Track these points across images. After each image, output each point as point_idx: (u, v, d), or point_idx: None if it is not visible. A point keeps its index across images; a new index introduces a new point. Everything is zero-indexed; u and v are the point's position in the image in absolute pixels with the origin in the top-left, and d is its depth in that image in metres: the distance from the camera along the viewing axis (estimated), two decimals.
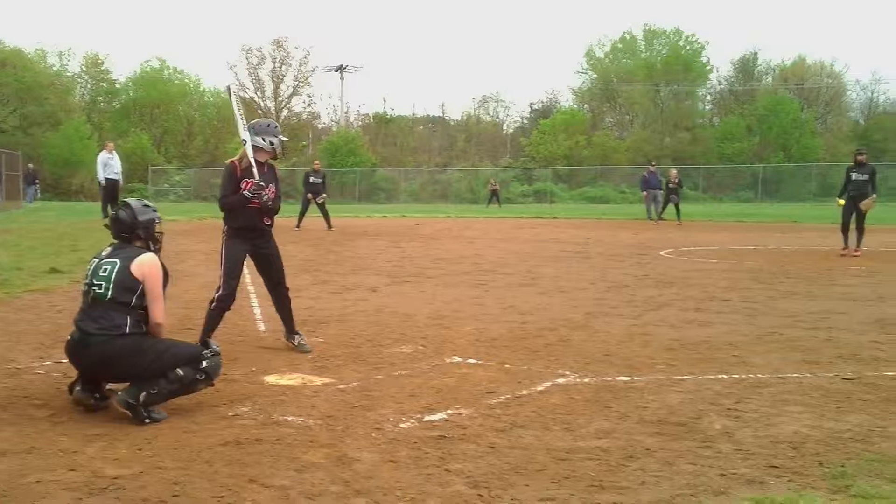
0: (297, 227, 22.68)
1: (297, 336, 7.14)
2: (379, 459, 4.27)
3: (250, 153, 6.77)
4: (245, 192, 6.69)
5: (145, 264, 5.17)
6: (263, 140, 6.84)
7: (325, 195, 23.96)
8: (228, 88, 7.53)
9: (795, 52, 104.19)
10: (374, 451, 4.39)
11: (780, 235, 22.69)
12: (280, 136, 6.93)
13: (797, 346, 7.33)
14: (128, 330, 4.98)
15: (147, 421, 4.85)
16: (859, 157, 16.28)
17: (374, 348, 7.18)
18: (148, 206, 5.49)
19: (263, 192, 6.70)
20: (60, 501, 3.69)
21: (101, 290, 5.06)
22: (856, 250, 15.91)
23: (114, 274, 5.09)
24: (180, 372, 4.97)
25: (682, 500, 3.76)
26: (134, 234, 5.34)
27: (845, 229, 16.09)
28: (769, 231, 24.88)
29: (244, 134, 6.89)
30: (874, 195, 16.03)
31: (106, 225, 5.55)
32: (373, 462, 4.23)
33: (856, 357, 6.87)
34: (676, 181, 29.00)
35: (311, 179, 23.91)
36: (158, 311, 5.19)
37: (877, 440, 4.64)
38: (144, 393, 4.88)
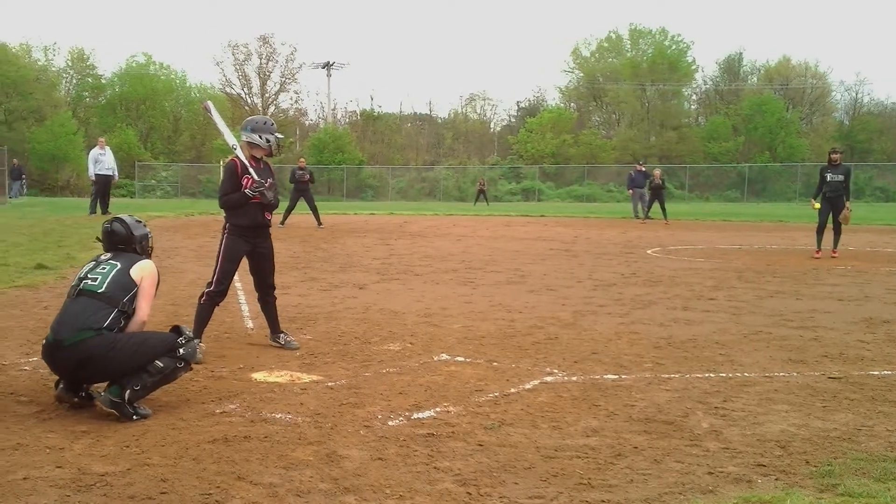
0: (282, 224, 22.64)
1: (282, 335, 7.15)
2: (367, 457, 4.27)
3: (242, 157, 6.78)
4: (246, 191, 6.70)
5: (146, 268, 5.29)
6: (260, 137, 6.84)
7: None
8: (205, 108, 7.49)
9: (780, 52, 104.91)
10: (362, 449, 4.39)
11: (765, 235, 22.78)
12: (276, 134, 6.94)
13: (784, 345, 7.36)
14: (105, 325, 4.96)
15: (134, 418, 4.84)
16: (833, 157, 15.67)
17: (363, 346, 7.17)
18: (139, 221, 5.64)
19: (264, 189, 6.74)
20: (47, 498, 3.67)
21: (95, 284, 5.11)
22: (833, 252, 15.66)
23: (113, 273, 5.19)
24: (160, 363, 4.96)
25: (671, 499, 3.78)
26: (130, 247, 5.46)
27: (821, 230, 15.65)
28: (755, 230, 24.97)
29: (231, 140, 6.95)
30: (848, 203, 15.62)
31: (98, 238, 5.62)
32: (361, 460, 4.22)
33: (842, 356, 6.91)
34: (660, 180, 29.14)
35: (298, 175, 23.90)
36: (146, 309, 5.23)
37: (863, 439, 4.67)
38: (129, 390, 4.87)
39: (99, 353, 4.88)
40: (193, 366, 5.40)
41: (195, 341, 5.32)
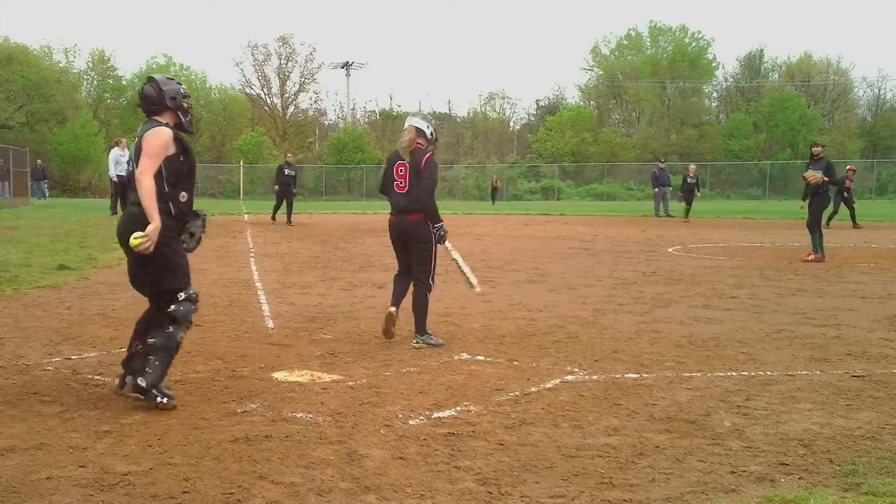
0: (273, 220, 23.03)
1: (418, 336, 7.39)
2: (388, 456, 4.27)
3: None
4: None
5: (150, 132, 5.10)
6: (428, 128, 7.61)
7: (295, 190, 24.91)
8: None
9: (801, 48, 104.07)
10: (383, 448, 4.39)
11: (787, 232, 22.59)
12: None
13: (806, 343, 7.31)
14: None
15: (159, 399, 5.01)
16: (814, 150, 14.73)
17: (383, 345, 7.19)
18: (171, 78, 5.43)
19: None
20: (70, 498, 3.69)
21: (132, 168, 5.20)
22: (810, 255, 14.69)
23: (132, 152, 5.24)
24: (155, 341, 5.08)
25: (693, 498, 3.75)
26: (162, 104, 5.26)
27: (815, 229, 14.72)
28: (777, 228, 24.80)
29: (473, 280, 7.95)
30: (819, 172, 14.24)
31: (137, 104, 5.60)
32: (382, 459, 4.23)
33: (865, 354, 6.85)
34: (695, 178, 28.70)
35: (286, 172, 23.90)
36: (142, 165, 4.99)
37: (887, 438, 4.63)
38: (143, 378, 5.04)
39: (132, 220, 5.03)
40: (218, 363, 5.43)
41: (191, 304, 5.25)
